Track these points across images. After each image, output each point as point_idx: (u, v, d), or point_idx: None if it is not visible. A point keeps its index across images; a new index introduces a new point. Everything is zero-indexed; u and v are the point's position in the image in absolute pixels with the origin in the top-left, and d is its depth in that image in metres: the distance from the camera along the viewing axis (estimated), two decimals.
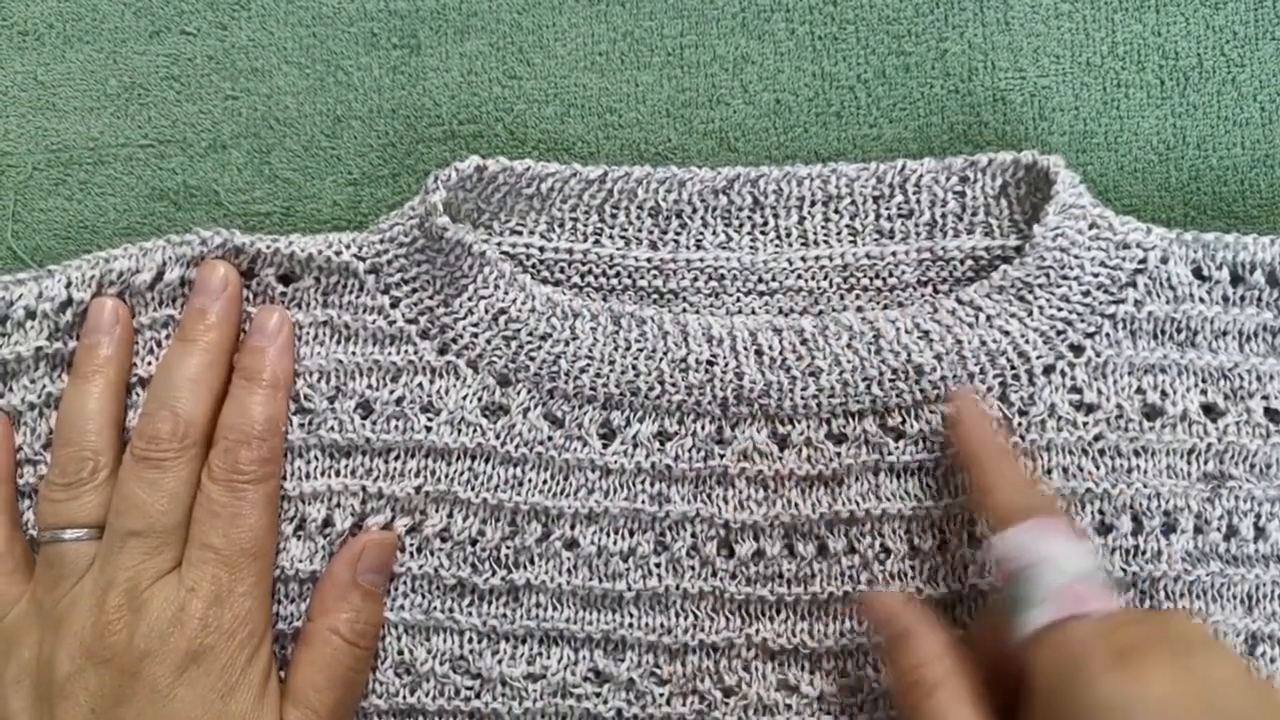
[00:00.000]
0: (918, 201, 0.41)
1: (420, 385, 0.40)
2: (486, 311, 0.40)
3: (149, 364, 0.40)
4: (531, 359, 0.40)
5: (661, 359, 0.40)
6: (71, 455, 0.38)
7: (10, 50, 0.45)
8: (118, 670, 0.36)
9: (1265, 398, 0.39)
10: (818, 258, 0.41)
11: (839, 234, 0.42)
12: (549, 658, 0.40)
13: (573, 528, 0.40)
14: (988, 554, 0.37)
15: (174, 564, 0.37)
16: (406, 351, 0.40)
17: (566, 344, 0.40)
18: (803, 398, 0.39)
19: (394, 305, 0.41)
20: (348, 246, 0.41)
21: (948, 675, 0.35)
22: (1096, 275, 0.39)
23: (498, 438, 0.40)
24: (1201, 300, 0.40)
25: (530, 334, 0.40)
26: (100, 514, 0.38)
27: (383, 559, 0.40)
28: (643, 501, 0.40)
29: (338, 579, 0.39)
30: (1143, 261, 0.40)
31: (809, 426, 0.40)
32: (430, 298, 0.40)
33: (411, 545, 0.40)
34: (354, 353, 0.40)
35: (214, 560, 0.37)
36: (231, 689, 0.36)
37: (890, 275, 0.41)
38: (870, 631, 0.39)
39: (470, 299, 0.40)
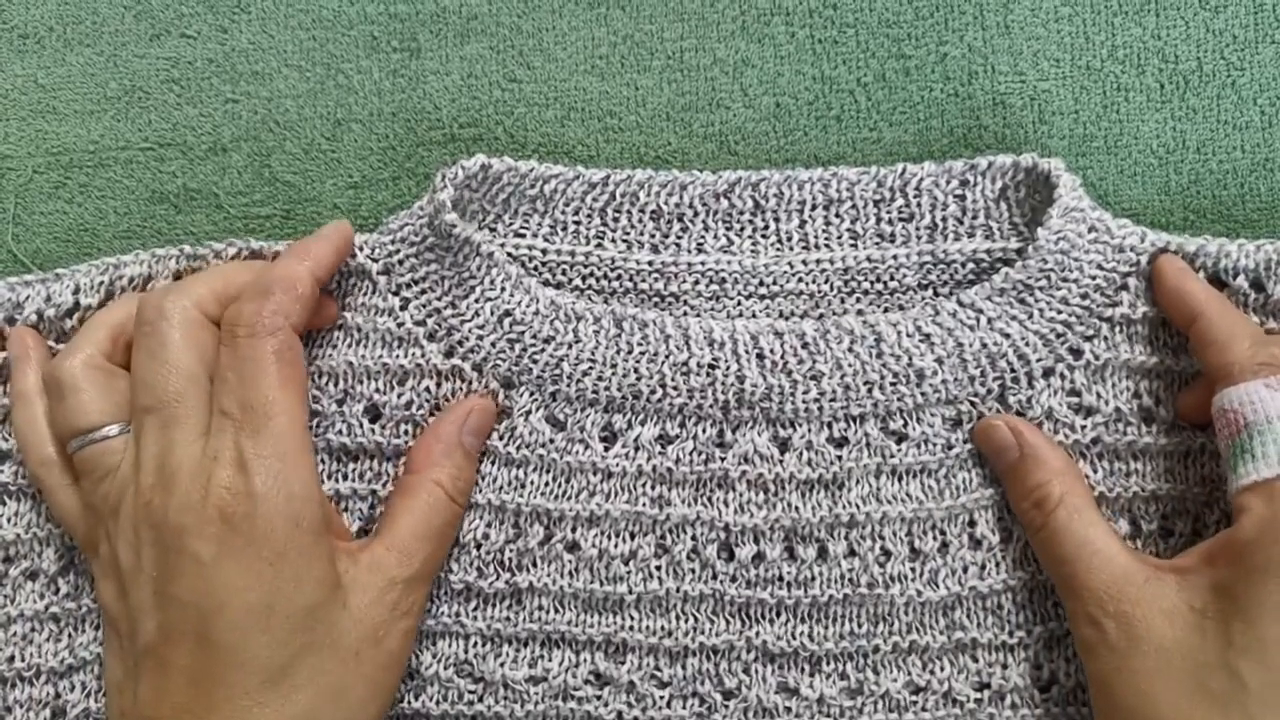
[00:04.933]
0: (918, 205, 0.41)
1: (427, 389, 0.40)
2: (492, 314, 0.40)
3: None
4: (535, 362, 0.40)
5: (663, 362, 0.40)
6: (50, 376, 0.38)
7: (10, 53, 0.45)
8: (164, 548, 0.35)
9: None
10: (819, 261, 0.42)
11: (840, 237, 0.42)
12: (550, 660, 0.40)
13: (574, 530, 0.40)
14: (1217, 403, 0.36)
15: (199, 434, 0.36)
16: (414, 354, 0.40)
17: (569, 347, 0.40)
18: (804, 401, 0.40)
19: (404, 307, 0.41)
20: (360, 248, 0.41)
21: (1069, 490, 0.37)
22: (1094, 278, 0.40)
23: (500, 440, 0.40)
24: None
25: (534, 337, 0.40)
26: (109, 409, 0.37)
27: (484, 423, 0.40)
28: (644, 504, 0.40)
29: (445, 435, 0.39)
30: (1135, 265, 0.40)
31: (810, 430, 0.40)
32: (439, 299, 0.40)
33: None
34: (364, 355, 0.40)
35: (231, 427, 0.36)
36: (280, 554, 0.35)
37: (891, 278, 0.41)
38: (985, 455, 0.40)
39: (477, 300, 0.40)
